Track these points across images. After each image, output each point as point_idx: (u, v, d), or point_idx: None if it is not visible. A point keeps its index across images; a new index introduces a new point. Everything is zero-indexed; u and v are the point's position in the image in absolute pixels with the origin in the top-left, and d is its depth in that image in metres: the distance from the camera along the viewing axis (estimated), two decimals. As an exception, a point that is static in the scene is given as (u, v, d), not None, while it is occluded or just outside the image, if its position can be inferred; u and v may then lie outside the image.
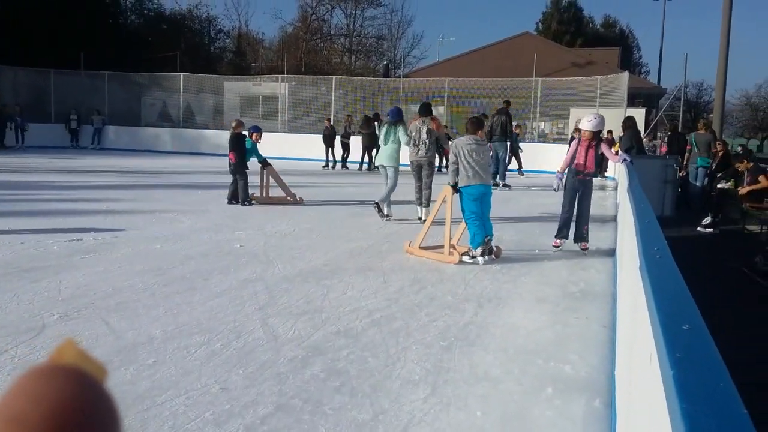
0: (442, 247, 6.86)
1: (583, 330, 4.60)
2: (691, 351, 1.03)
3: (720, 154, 13.65)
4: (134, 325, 4.33)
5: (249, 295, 5.14)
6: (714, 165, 13.49)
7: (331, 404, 3.23)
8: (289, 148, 20.91)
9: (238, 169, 10.41)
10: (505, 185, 14.40)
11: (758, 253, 8.01)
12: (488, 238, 6.65)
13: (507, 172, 15.23)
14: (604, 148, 7.29)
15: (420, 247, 6.95)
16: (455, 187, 6.76)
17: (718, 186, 12.70)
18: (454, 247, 6.83)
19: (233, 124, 10.75)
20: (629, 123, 13.38)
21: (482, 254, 6.56)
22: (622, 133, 14.00)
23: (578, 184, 7.28)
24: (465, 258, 6.62)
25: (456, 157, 6.74)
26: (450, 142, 7.22)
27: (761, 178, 10.81)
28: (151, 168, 17.37)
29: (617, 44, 46.58)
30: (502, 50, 31.85)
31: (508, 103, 15.33)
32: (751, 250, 8.43)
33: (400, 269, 6.28)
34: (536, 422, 3.14)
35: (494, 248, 6.75)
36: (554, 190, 7.49)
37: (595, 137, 7.15)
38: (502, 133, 14.49)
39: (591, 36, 51.93)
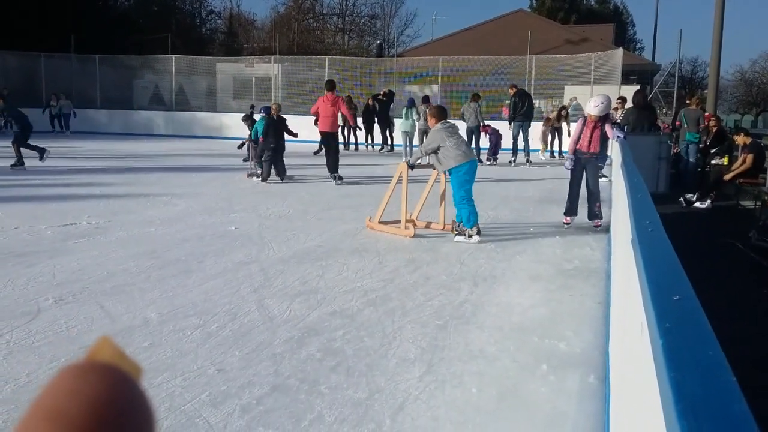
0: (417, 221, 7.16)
1: (578, 307, 4.62)
2: (681, 321, 1.04)
3: (714, 129, 13.62)
4: (129, 309, 4.33)
5: (244, 277, 5.15)
6: (708, 141, 13.46)
7: (327, 384, 3.24)
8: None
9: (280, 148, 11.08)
10: (528, 161, 15.05)
11: (752, 228, 8.04)
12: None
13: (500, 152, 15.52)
14: (608, 127, 7.34)
15: (380, 222, 7.13)
16: (412, 167, 7.07)
17: (712, 162, 12.70)
18: (414, 222, 7.07)
19: (274, 107, 11.55)
20: (636, 98, 13.09)
21: (478, 233, 6.63)
22: (624, 108, 13.91)
23: (584, 163, 7.39)
24: (459, 238, 6.66)
25: (432, 144, 6.76)
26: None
27: (747, 157, 10.76)
28: (144, 152, 17.28)
29: (611, 21, 46.32)
30: (495, 28, 31.63)
31: (515, 87, 15.63)
32: (745, 226, 8.45)
33: (395, 249, 6.29)
34: (531, 398, 3.16)
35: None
36: (567, 169, 7.58)
37: (601, 118, 7.26)
38: (527, 112, 14.96)
39: (585, 12, 51.57)
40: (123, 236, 6.62)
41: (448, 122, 7.00)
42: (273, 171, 11.14)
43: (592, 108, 7.22)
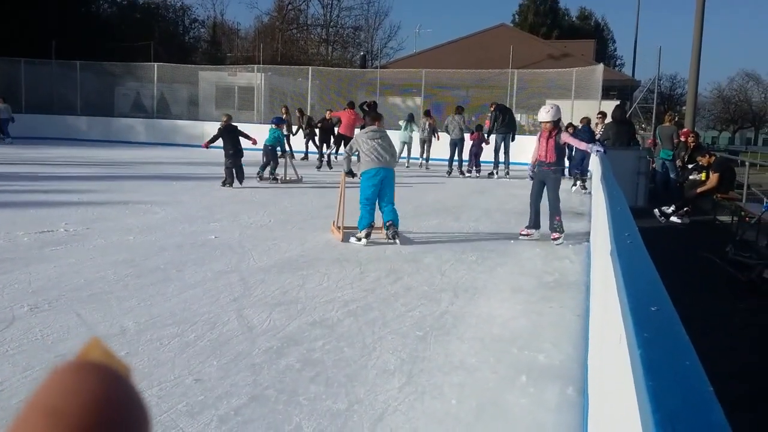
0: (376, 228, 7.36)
1: (557, 319, 4.64)
2: (659, 331, 1.04)
3: (691, 145, 13.81)
4: (106, 317, 4.27)
5: (224, 286, 5.11)
6: (686, 156, 13.65)
7: (306, 394, 3.22)
8: (264, 139, 20.66)
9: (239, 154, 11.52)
10: (507, 173, 15.32)
11: (729, 243, 8.15)
12: (390, 222, 7.04)
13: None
14: (565, 137, 7.38)
15: (337, 226, 7.42)
16: (349, 173, 7.45)
17: (690, 177, 12.87)
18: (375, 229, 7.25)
19: (224, 118, 11.96)
20: (615, 113, 13.32)
21: (366, 236, 6.99)
22: (602, 122, 14.06)
23: (542, 176, 7.46)
24: (352, 239, 6.99)
25: (352, 148, 7.32)
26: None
27: (713, 177, 10.86)
28: (124, 159, 17.13)
29: (592, 37, 46.91)
30: (478, 42, 31.88)
31: (495, 103, 15.99)
32: (722, 240, 8.57)
33: (377, 260, 6.28)
34: (511, 410, 3.16)
35: (398, 232, 7.07)
36: (530, 178, 7.82)
37: (555, 127, 7.34)
38: (508, 124, 15.18)
39: (567, 28, 52.20)
40: (101, 244, 6.54)
41: (373, 128, 7.24)
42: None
43: (545, 114, 7.33)
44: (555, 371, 3.65)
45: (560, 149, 7.42)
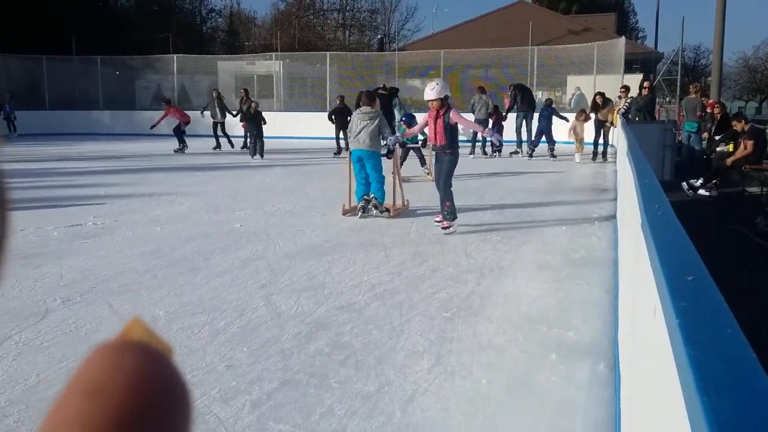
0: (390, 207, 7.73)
1: (586, 296, 4.60)
2: (696, 300, 1.02)
3: (718, 116, 13.53)
4: (137, 307, 4.34)
5: (251, 274, 5.15)
6: (713, 128, 13.39)
7: (336, 377, 3.24)
8: (285, 127, 20.75)
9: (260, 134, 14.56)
10: (529, 153, 14.68)
11: (759, 214, 7.99)
12: (366, 196, 7.54)
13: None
14: (453, 116, 6.57)
15: (351, 207, 7.83)
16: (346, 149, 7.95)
17: (717, 149, 12.63)
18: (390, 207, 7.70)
19: (254, 104, 14.95)
20: (650, 83, 13.31)
21: (361, 209, 7.51)
22: (637, 96, 13.87)
23: (437, 158, 6.91)
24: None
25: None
26: None
27: (747, 143, 10.61)
28: (148, 151, 17.31)
29: (613, 10, 46.07)
30: (497, 20, 31.52)
31: (513, 85, 15.96)
32: (752, 212, 8.41)
33: (401, 243, 6.28)
34: (542, 388, 3.15)
35: (370, 205, 7.52)
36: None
37: (443, 106, 6.58)
38: (529, 103, 15.11)
39: (586, 2, 51.21)
40: (129, 236, 6.63)
41: (362, 109, 7.56)
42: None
43: (429, 92, 6.56)
44: (585, 348, 3.62)
45: (451, 130, 6.62)
